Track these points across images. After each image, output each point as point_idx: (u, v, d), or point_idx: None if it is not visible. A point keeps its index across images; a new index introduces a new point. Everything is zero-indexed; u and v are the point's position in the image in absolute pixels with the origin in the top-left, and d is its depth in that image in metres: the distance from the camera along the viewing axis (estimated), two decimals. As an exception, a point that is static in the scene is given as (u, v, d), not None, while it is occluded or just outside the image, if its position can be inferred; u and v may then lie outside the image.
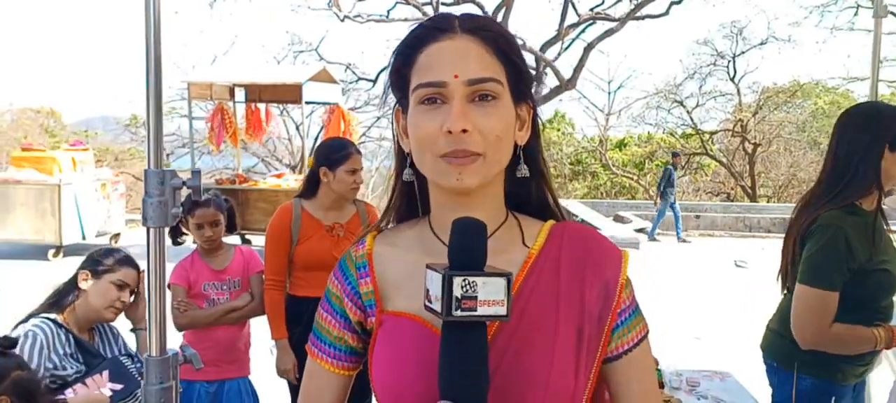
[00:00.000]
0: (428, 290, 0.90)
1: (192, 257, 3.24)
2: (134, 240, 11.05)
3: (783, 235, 2.40)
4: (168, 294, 3.09)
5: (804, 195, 2.34)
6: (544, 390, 0.97)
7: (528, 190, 1.09)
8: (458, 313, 0.86)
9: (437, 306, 0.88)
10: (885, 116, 2.13)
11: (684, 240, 13.10)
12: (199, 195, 1.59)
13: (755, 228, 14.65)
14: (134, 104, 21.02)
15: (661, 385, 2.58)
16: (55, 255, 9.55)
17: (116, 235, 10.84)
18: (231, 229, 3.28)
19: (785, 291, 2.40)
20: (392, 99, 1.07)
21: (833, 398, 2.20)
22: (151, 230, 1.56)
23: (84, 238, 9.84)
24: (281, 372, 3.10)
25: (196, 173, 1.60)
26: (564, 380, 0.97)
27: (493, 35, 1.00)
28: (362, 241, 1.11)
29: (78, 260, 2.65)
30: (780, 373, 2.32)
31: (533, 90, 1.06)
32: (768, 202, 19.68)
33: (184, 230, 3.26)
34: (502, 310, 0.87)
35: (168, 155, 21.29)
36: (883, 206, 2.21)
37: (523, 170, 1.05)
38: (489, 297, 0.87)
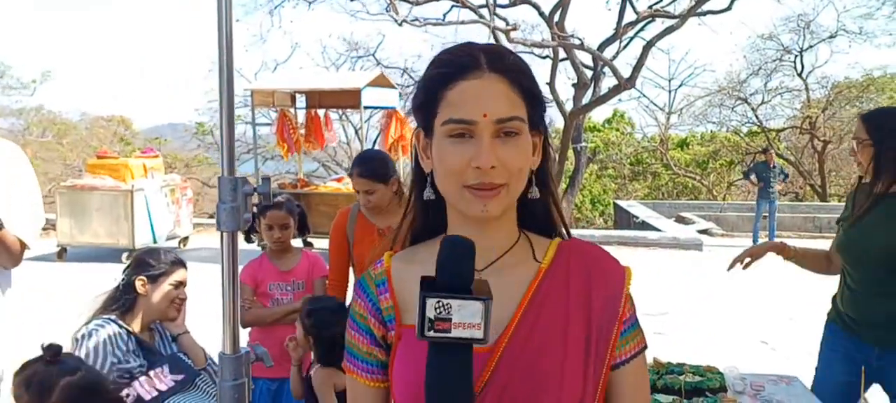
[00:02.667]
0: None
1: (261, 258, 3.37)
2: (201, 244, 11.42)
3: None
4: (247, 309, 3.27)
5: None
6: (556, 395, 1.03)
7: (537, 209, 1.16)
8: (431, 333, 0.88)
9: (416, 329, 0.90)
10: None
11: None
12: (269, 200, 1.66)
13: (825, 229, 14.19)
14: (200, 112, 21.70)
15: (723, 389, 2.55)
16: (128, 258, 9.93)
17: (185, 238, 11.21)
18: (303, 231, 3.41)
19: None
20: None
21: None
22: (224, 234, 1.64)
23: (155, 241, 10.20)
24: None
25: (266, 180, 1.68)
26: (574, 385, 1.03)
27: (516, 74, 1.06)
28: (380, 260, 1.17)
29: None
30: None
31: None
32: (839, 201, 19.02)
33: (257, 229, 3.39)
34: (479, 334, 0.88)
35: (233, 160, 21.91)
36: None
37: (534, 193, 1.11)
38: (465, 320, 0.88)
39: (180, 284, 2.69)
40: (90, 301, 2.69)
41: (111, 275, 2.89)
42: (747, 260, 2.88)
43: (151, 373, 2.50)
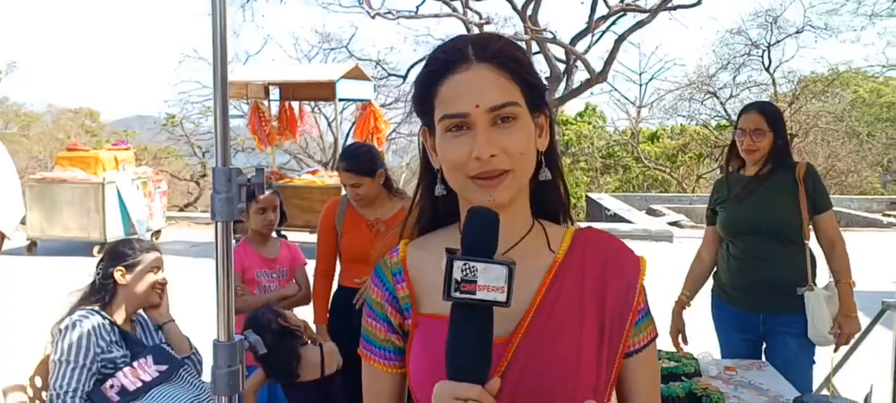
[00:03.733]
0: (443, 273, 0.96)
1: (243, 246, 3.40)
2: (175, 237, 11.31)
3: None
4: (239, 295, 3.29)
5: None
6: (572, 382, 1.05)
7: (547, 191, 1.17)
8: (457, 294, 0.92)
9: (442, 290, 0.94)
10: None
11: None
12: (263, 191, 1.69)
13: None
14: (170, 104, 21.45)
15: (698, 374, 2.64)
16: (100, 252, 9.80)
17: (158, 232, 11.09)
18: (283, 220, 3.45)
19: None
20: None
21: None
22: (219, 224, 1.66)
23: (127, 234, 10.09)
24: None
25: (259, 171, 1.71)
26: (588, 373, 1.06)
27: (505, 60, 1.07)
28: (396, 249, 1.19)
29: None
30: None
31: (552, 89, 1.13)
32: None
33: (241, 217, 3.42)
34: (502, 297, 0.92)
35: (204, 153, 21.69)
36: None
37: (546, 174, 1.13)
38: (489, 283, 0.92)
39: (157, 268, 2.69)
40: (66, 295, 2.67)
41: (82, 269, 2.89)
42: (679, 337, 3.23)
43: (135, 364, 2.50)
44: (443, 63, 1.07)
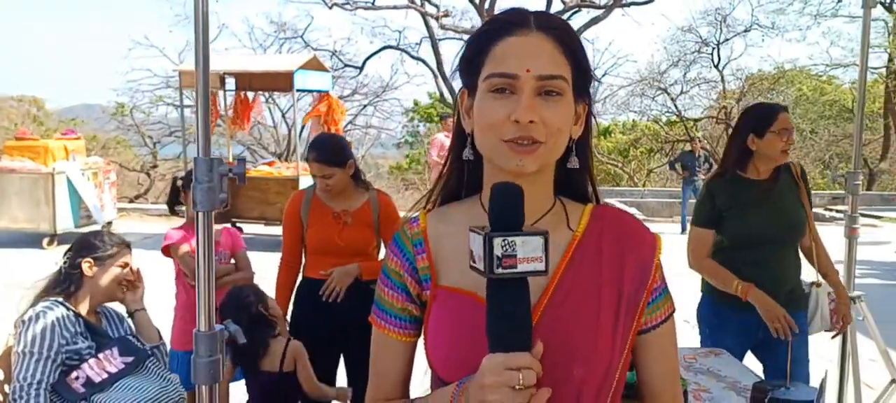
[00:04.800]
0: (471, 251, 0.98)
1: (183, 229, 3.49)
2: (126, 229, 11.07)
3: None
4: (187, 270, 3.42)
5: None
6: (587, 361, 1.06)
7: (574, 179, 1.18)
8: (500, 270, 0.94)
9: (480, 265, 0.96)
10: (755, 112, 2.99)
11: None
12: (244, 181, 1.70)
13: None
14: (119, 93, 20.90)
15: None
16: (50, 243, 9.57)
17: (109, 223, 10.84)
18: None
19: None
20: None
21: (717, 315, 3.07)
22: (201, 213, 1.67)
23: (77, 226, 9.85)
24: None
25: (241, 161, 1.72)
26: (604, 353, 1.07)
27: (564, 34, 1.08)
28: (416, 220, 1.19)
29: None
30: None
31: (589, 89, 1.16)
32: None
33: (181, 201, 3.55)
34: (541, 266, 0.95)
35: (155, 143, 21.24)
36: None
37: (574, 162, 1.14)
38: (528, 254, 0.94)
39: (126, 264, 2.67)
40: (27, 287, 2.62)
41: (31, 261, 2.84)
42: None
43: (101, 355, 2.47)
44: (503, 23, 1.08)
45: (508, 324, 0.96)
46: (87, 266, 2.58)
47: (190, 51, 19.77)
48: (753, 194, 2.89)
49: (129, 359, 2.52)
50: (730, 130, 16.25)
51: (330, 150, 3.16)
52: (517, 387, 0.93)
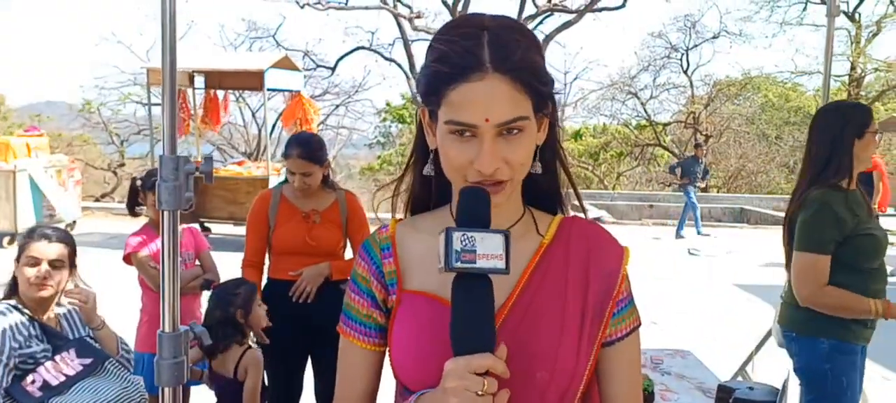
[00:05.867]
0: (439, 254, 0.98)
1: (144, 231, 3.42)
2: (91, 228, 10.89)
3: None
4: (159, 273, 3.25)
5: (794, 188, 2.73)
6: (551, 368, 1.05)
7: (541, 182, 1.16)
8: (458, 264, 0.94)
9: (441, 262, 0.96)
10: (850, 111, 2.65)
11: (704, 235, 12.53)
12: (210, 180, 1.68)
13: (706, 218, 15.09)
14: (85, 89, 20.55)
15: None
16: (10, 243, 9.36)
17: (73, 223, 10.65)
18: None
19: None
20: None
21: (849, 355, 2.54)
22: (166, 213, 1.65)
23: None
24: None
25: (208, 159, 1.70)
26: (568, 360, 1.06)
27: (523, 72, 1.01)
28: (386, 225, 1.19)
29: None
30: (800, 341, 2.61)
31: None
32: (718, 192, 20.27)
33: (141, 202, 3.48)
34: (501, 264, 0.95)
35: (122, 141, 20.91)
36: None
37: (537, 168, 1.11)
38: (488, 251, 0.95)
39: (36, 261, 2.44)
40: None
41: None
42: None
43: (57, 358, 2.41)
44: (457, 67, 1.00)
45: (471, 324, 0.96)
46: (15, 266, 2.49)
47: (158, 48, 19.57)
48: (863, 203, 2.60)
49: (88, 361, 2.46)
50: (697, 135, 16.36)
51: (313, 147, 3.12)
52: (480, 393, 0.93)
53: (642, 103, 23.20)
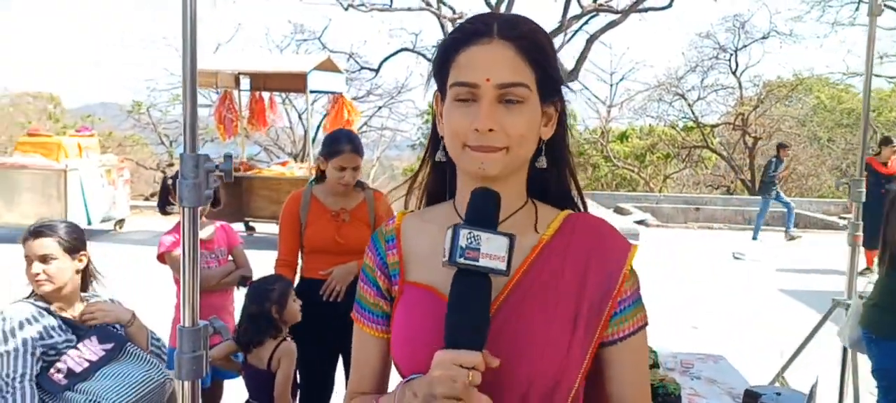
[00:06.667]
0: (444, 247, 1.02)
1: (177, 229, 3.46)
2: (138, 226, 11.17)
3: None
4: (181, 268, 3.35)
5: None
6: (535, 361, 1.06)
7: (550, 179, 1.19)
8: (461, 260, 0.98)
9: (446, 256, 1.00)
10: None
11: (794, 237, 11.98)
12: (230, 178, 1.71)
13: (754, 221, 14.76)
14: (135, 91, 21.08)
15: (657, 366, 2.70)
16: (61, 240, 9.66)
17: (121, 221, 10.95)
18: (215, 204, 3.49)
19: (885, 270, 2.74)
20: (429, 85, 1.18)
21: None
22: (186, 209, 1.68)
23: (89, 223, 9.93)
24: None
25: (228, 157, 1.72)
26: (555, 355, 1.07)
27: (526, 42, 1.08)
28: (392, 218, 1.23)
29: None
30: (880, 343, 2.66)
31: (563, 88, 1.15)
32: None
33: (172, 201, 3.53)
34: (502, 266, 0.99)
35: (171, 142, 21.40)
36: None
37: (542, 162, 1.15)
38: (491, 252, 0.99)
39: (32, 258, 2.49)
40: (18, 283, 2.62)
41: None
42: None
43: (80, 346, 2.49)
44: (467, 32, 1.09)
45: (465, 319, 0.99)
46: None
47: (206, 50, 19.97)
48: None
49: (109, 345, 2.53)
50: (746, 137, 15.96)
51: (358, 142, 3.21)
52: (464, 384, 0.96)
53: (689, 104, 22.79)
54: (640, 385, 1.15)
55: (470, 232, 0.99)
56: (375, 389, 1.23)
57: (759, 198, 12.60)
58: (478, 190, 1.04)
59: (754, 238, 12.21)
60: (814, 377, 2.32)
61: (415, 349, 1.10)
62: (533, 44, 1.09)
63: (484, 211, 1.02)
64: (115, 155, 13.67)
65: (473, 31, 1.09)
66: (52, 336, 2.46)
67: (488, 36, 1.08)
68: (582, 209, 1.21)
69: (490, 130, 1.06)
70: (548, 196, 1.20)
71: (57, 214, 9.51)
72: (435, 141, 1.18)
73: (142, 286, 2.93)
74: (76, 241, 2.60)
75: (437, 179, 1.22)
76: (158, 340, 2.74)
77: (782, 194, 12.30)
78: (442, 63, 1.12)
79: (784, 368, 3.38)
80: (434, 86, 1.17)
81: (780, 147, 13.04)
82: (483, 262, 0.98)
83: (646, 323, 1.15)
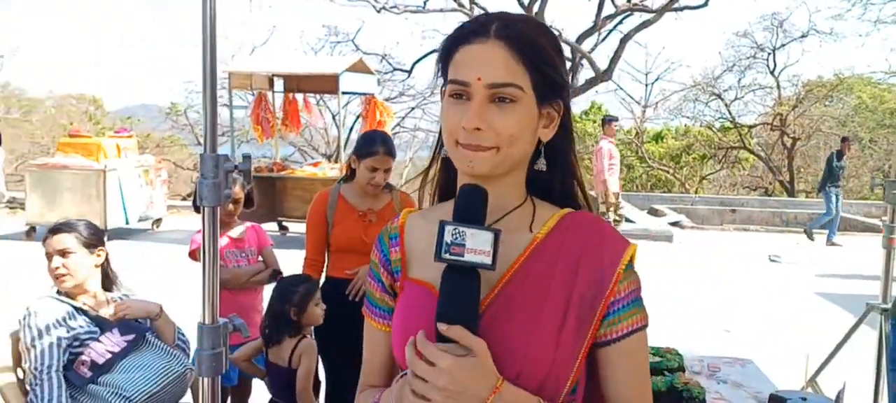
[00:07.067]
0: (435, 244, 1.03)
1: None
2: (175, 225, 11.36)
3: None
4: (222, 268, 3.41)
5: None
6: (521, 359, 1.06)
7: (552, 181, 1.19)
8: (447, 255, 1.00)
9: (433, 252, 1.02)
10: None
11: (834, 244, 11.56)
12: (250, 179, 1.72)
13: (792, 223, 14.49)
14: (174, 92, 21.46)
15: (682, 369, 2.67)
16: (100, 239, 9.88)
17: (158, 220, 11.15)
18: (248, 205, 3.55)
19: None
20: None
21: None
22: (206, 209, 1.70)
23: (127, 223, 10.14)
24: None
25: (246, 158, 1.74)
26: (541, 354, 1.06)
27: (522, 43, 1.08)
28: (398, 216, 1.26)
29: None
30: None
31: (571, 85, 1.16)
32: (806, 197, 19.40)
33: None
34: (487, 260, 1.00)
35: (208, 143, 21.72)
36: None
37: (541, 165, 1.15)
38: (476, 247, 1.00)
39: (51, 254, 2.61)
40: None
41: None
42: None
43: (102, 338, 2.57)
44: (466, 31, 1.11)
45: (452, 313, 1.01)
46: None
47: (242, 52, 20.24)
48: None
49: (130, 337, 2.61)
50: (784, 137, 15.61)
51: (391, 143, 3.25)
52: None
53: (726, 104, 22.45)
54: (637, 387, 1.12)
55: (455, 228, 1.00)
56: (384, 382, 1.26)
57: (816, 198, 12.13)
58: (465, 186, 1.06)
59: (810, 238, 11.85)
60: (842, 382, 2.27)
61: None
62: (529, 45, 1.09)
63: (471, 208, 1.04)
64: (153, 155, 13.91)
65: (472, 30, 1.11)
66: (76, 329, 2.55)
67: (485, 35, 1.09)
68: (586, 203, 1.21)
69: (477, 129, 1.07)
70: (551, 196, 1.19)
71: (96, 213, 9.74)
72: (440, 135, 1.20)
73: (177, 283, 3.00)
74: (93, 237, 2.71)
75: (446, 176, 1.23)
76: (184, 335, 2.79)
77: (841, 197, 11.76)
78: (443, 60, 1.14)
79: (816, 373, 3.31)
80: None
81: (844, 140, 12.47)
82: (468, 257, 1.00)
83: (645, 325, 1.13)
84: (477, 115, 1.07)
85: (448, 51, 1.12)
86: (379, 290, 1.25)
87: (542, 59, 1.10)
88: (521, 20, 1.12)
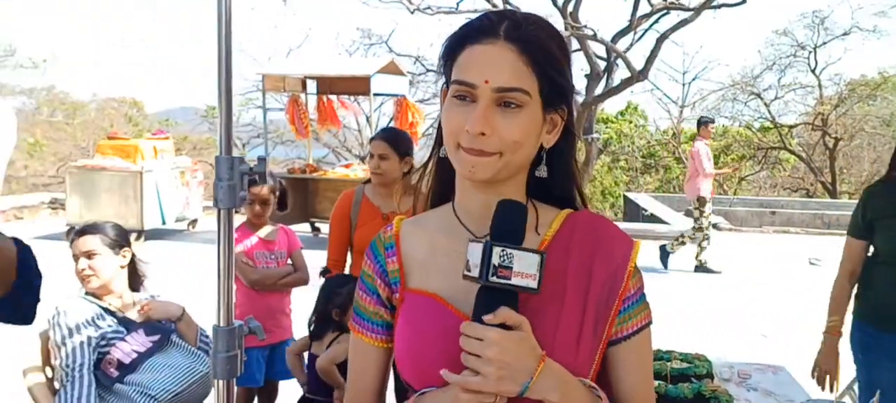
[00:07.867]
0: (468, 261, 0.99)
1: (239, 228, 3.56)
2: (211, 226, 11.49)
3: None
4: (252, 269, 3.54)
5: None
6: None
7: (553, 190, 1.16)
8: (494, 279, 0.96)
9: (475, 273, 0.97)
10: None
11: None
12: (264, 180, 1.72)
13: (834, 225, 14.11)
14: (212, 95, 21.78)
15: (711, 376, 2.60)
16: (137, 240, 10.04)
17: (194, 221, 11.30)
18: (282, 207, 3.62)
19: None
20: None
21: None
22: (221, 211, 1.70)
23: (164, 223, 10.31)
24: None
25: (261, 160, 1.73)
26: (565, 355, 1.05)
27: (532, 46, 1.05)
28: (391, 225, 1.21)
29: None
30: None
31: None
32: (849, 198, 18.92)
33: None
34: (533, 284, 0.98)
35: (244, 144, 22.04)
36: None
37: (542, 171, 1.12)
38: (523, 270, 0.97)
39: (78, 255, 2.66)
40: None
41: None
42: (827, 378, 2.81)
43: (128, 338, 2.61)
44: (474, 29, 1.07)
45: None
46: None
47: (278, 55, 20.47)
48: None
49: (156, 337, 2.65)
50: (826, 137, 15.20)
51: (394, 136, 3.28)
52: None
53: (766, 104, 22.02)
54: (645, 384, 1.13)
55: (503, 251, 0.96)
56: (373, 400, 1.21)
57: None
58: (503, 202, 1.01)
59: None
60: (877, 392, 2.19)
61: (423, 360, 1.08)
62: (539, 48, 1.05)
63: (510, 225, 1.00)
64: (190, 157, 14.12)
65: (480, 29, 1.06)
66: (103, 329, 2.59)
67: (494, 36, 1.05)
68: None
69: (481, 134, 1.03)
70: (549, 197, 1.17)
71: (133, 214, 9.92)
72: (440, 136, 1.16)
73: (210, 283, 3.05)
74: (119, 238, 2.75)
75: (442, 178, 1.19)
76: (207, 336, 2.81)
77: None
78: (447, 57, 1.11)
79: (852, 383, 3.20)
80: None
81: None
82: (515, 280, 0.97)
83: (650, 322, 1.13)
84: (482, 119, 1.03)
85: (453, 49, 1.08)
86: (373, 303, 1.18)
87: (550, 64, 1.06)
88: (531, 22, 1.08)
